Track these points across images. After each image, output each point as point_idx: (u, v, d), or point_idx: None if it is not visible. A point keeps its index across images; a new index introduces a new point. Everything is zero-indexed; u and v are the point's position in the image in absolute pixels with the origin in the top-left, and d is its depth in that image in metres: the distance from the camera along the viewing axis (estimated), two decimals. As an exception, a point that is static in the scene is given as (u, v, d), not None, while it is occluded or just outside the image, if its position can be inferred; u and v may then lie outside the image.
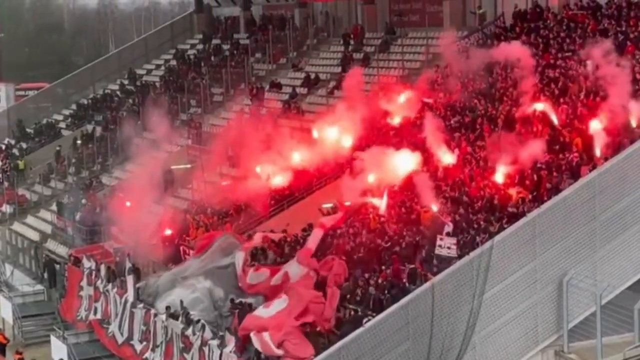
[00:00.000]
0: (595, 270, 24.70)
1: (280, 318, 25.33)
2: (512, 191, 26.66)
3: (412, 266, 25.42)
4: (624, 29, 31.28)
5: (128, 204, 39.18)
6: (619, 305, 24.34)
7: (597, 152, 26.42)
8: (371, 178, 30.59)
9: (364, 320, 24.00)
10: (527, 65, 30.63)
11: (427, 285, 24.06)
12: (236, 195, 34.35)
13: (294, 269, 27.32)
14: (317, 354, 23.91)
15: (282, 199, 33.82)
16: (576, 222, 24.60)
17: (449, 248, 25.34)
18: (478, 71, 32.84)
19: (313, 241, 28.49)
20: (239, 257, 29.52)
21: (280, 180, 34.39)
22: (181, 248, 33.68)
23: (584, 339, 24.59)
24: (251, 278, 28.33)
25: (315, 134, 35.85)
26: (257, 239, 30.68)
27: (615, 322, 24.20)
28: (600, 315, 23.84)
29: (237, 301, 28.35)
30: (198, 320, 27.51)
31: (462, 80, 33.62)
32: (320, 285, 26.32)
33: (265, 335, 24.93)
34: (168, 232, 34.94)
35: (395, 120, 34.19)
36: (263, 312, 26.21)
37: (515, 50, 31.52)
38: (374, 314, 24.16)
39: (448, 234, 25.94)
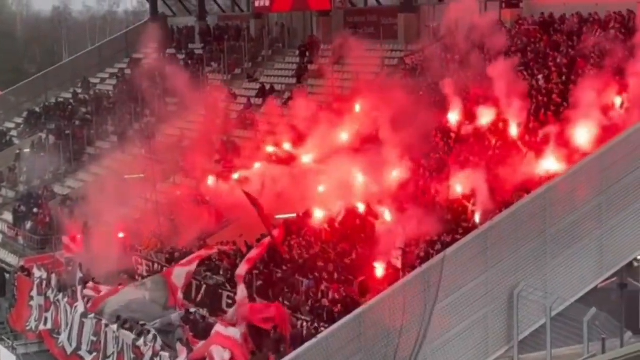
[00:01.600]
0: (545, 282, 24.88)
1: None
2: (468, 204, 26.97)
3: (363, 278, 25.54)
4: (575, 44, 31.72)
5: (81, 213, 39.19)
6: (568, 318, 24.55)
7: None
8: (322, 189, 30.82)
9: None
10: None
11: (380, 297, 24.17)
12: (188, 206, 34.35)
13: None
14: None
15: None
16: (527, 235, 24.73)
17: (397, 259, 25.57)
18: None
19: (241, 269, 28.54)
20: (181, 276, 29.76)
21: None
22: (133, 258, 33.56)
23: (534, 351, 24.74)
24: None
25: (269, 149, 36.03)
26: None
27: (565, 334, 24.42)
28: (550, 327, 24.06)
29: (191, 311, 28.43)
30: (149, 331, 27.44)
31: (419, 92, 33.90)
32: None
33: (215, 349, 25.05)
34: (120, 234, 35.04)
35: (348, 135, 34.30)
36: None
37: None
38: (326, 325, 24.21)
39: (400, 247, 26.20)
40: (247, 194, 30.30)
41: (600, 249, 25.35)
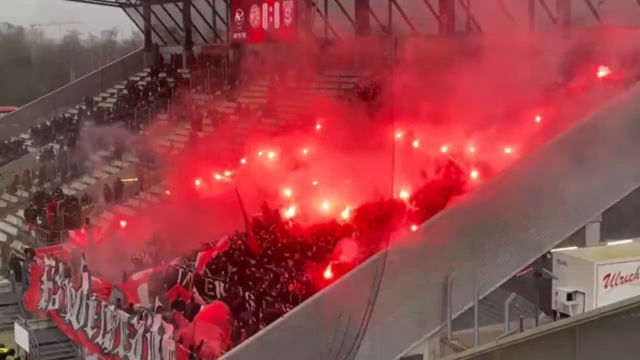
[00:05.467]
0: (474, 271, 25.01)
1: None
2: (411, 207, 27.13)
3: (323, 265, 25.70)
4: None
5: (84, 207, 38.96)
6: (492, 301, 24.76)
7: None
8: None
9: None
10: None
11: (336, 282, 24.28)
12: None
13: None
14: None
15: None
16: (460, 231, 24.87)
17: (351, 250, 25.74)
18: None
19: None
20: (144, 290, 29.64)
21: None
22: (128, 250, 33.49)
23: (464, 328, 24.82)
24: None
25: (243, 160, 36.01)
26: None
27: (490, 314, 24.59)
28: (477, 309, 24.25)
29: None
30: (142, 311, 27.41)
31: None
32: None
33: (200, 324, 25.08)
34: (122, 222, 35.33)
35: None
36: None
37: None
38: (291, 306, 24.30)
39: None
40: (238, 194, 29.85)
41: (519, 244, 25.58)
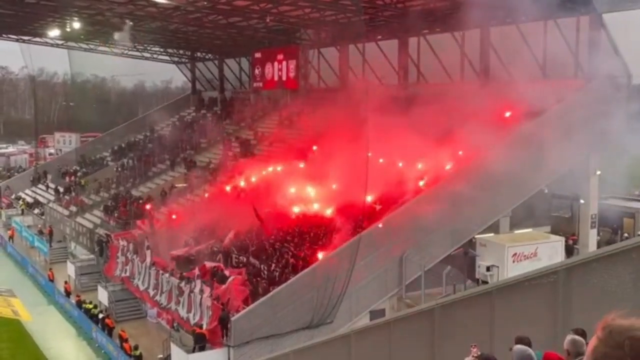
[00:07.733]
0: (421, 251, 25.09)
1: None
2: (377, 206, 27.08)
3: (316, 246, 25.61)
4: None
5: (148, 207, 38.68)
6: (434, 271, 24.76)
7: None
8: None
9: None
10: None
11: (325, 257, 24.21)
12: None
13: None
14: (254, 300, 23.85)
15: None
16: (411, 223, 24.90)
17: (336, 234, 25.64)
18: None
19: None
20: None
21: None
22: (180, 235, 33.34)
23: (414, 291, 24.93)
24: None
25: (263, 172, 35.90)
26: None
27: (432, 281, 24.62)
28: (423, 277, 24.26)
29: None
30: (189, 278, 27.26)
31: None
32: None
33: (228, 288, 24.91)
34: (173, 216, 35.14)
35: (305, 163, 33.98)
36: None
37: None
38: (293, 274, 24.21)
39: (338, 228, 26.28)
40: (255, 208, 29.40)
41: (454, 232, 25.61)
